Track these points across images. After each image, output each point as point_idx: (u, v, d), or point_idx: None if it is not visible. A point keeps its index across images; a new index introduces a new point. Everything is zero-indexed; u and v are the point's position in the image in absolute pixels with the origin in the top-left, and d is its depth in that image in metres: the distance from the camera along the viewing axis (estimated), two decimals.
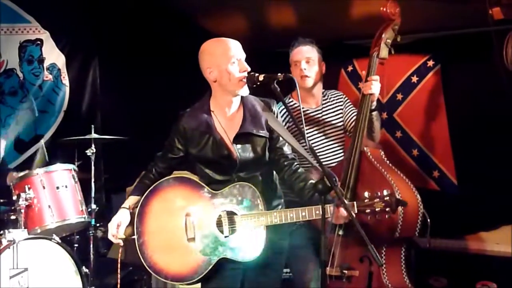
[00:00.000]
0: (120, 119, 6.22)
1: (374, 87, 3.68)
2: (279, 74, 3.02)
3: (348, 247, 3.57)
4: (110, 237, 3.29)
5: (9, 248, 4.09)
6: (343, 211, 3.01)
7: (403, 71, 5.55)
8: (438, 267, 5.06)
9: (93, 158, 5.09)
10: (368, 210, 3.02)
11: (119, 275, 3.60)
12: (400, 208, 3.31)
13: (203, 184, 3.22)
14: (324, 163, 3.53)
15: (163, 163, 3.37)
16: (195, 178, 3.29)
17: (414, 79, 5.49)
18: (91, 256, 5.00)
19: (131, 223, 3.28)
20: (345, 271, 3.51)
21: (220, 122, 3.23)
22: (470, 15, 4.73)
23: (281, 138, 3.23)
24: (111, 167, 5.99)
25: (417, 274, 4.44)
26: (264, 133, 3.22)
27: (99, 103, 6.36)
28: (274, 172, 3.34)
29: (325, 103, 4.04)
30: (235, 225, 3.13)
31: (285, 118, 3.84)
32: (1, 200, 4.73)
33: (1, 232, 4.23)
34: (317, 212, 3.00)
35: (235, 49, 3.17)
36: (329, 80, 5.06)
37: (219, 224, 3.15)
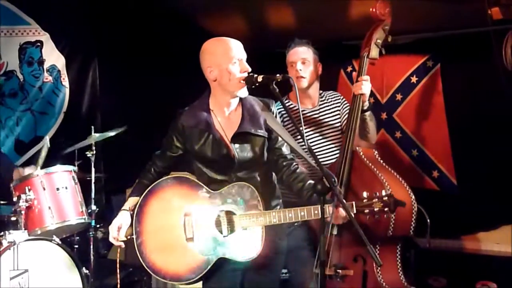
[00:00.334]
0: (120, 120, 6.21)
1: (364, 87, 3.69)
2: (277, 75, 3.02)
3: (342, 246, 3.58)
4: (111, 239, 3.30)
5: (9, 249, 4.09)
6: (342, 211, 3.02)
7: (403, 71, 5.56)
8: (437, 267, 5.06)
9: (93, 159, 5.10)
10: (366, 210, 3.03)
11: (118, 275, 3.60)
12: None
13: (201, 184, 3.22)
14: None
15: (162, 162, 3.37)
16: (193, 178, 3.29)
17: (414, 79, 5.49)
18: (91, 257, 5.00)
19: (131, 224, 3.28)
20: (339, 271, 3.50)
21: (219, 121, 3.23)
22: (469, 15, 4.74)
23: (280, 138, 3.23)
24: (111, 168, 6.00)
25: (416, 274, 4.47)
26: (262, 132, 3.23)
27: (99, 104, 6.38)
28: (272, 173, 3.34)
29: (322, 104, 4.05)
30: (233, 225, 3.14)
31: (283, 119, 3.84)
32: (2, 202, 4.73)
33: (2, 233, 4.24)
34: (316, 212, 3.00)
35: (236, 49, 3.17)
36: (328, 81, 5.08)
37: (217, 224, 3.15)
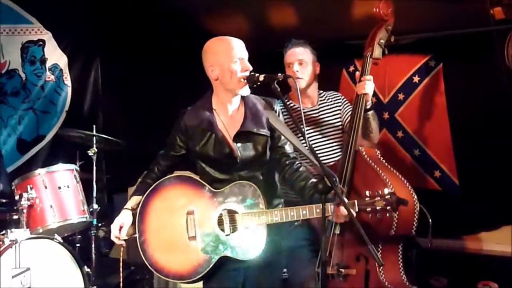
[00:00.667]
0: (122, 119, 6.23)
1: (367, 87, 3.70)
2: (279, 74, 3.04)
3: (344, 246, 3.58)
4: (113, 238, 3.30)
5: (11, 247, 4.09)
6: (343, 210, 3.02)
7: (405, 71, 5.55)
8: (439, 267, 5.06)
9: (94, 158, 5.09)
10: (369, 209, 3.04)
11: (121, 274, 3.60)
12: None
13: (204, 183, 3.23)
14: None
15: (165, 161, 3.38)
16: (196, 177, 3.29)
17: (416, 79, 5.48)
18: (93, 255, 5.00)
19: (134, 223, 3.29)
20: (342, 270, 3.50)
21: (221, 120, 3.24)
22: (472, 15, 4.73)
23: (282, 137, 3.24)
24: (112, 167, 6.00)
25: (418, 274, 4.46)
26: (264, 131, 3.23)
27: (101, 103, 6.38)
28: (275, 172, 3.35)
29: (322, 103, 4.05)
30: (236, 223, 3.14)
31: (284, 119, 3.84)
32: (3, 201, 4.74)
33: (3, 231, 4.24)
34: (318, 210, 3.01)
35: (238, 48, 3.18)
36: (330, 80, 5.09)
37: (220, 222, 3.16)
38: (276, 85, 3.02)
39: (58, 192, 4.62)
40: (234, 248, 3.13)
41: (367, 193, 3.05)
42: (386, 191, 3.02)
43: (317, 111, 4.03)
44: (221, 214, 3.17)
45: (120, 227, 3.28)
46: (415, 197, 3.54)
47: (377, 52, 3.79)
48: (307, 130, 3.93)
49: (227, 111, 3.26)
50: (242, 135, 3.21)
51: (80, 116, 6.27)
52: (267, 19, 5.89)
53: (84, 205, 4.74)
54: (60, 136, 5.76)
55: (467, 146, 5.19)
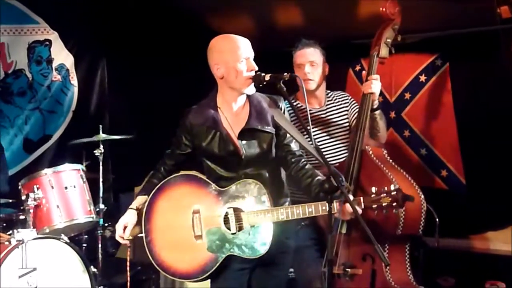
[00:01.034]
0: (128, 118, 6.24)
1: (374, 86, 3.69)
2: (285, 73, 3.02)
3: (351, 245, 3.57)
4: (117, 238, 3.31)
5: (18, 247, 4.10)
6: (349, 207, 3.00)
7: (411, 70, 5.53)
8: (446, 267, 5.05)
9: (101, 158, 5.11)
10: (374, 206, 3.01)
11: (128, 274, 3.60)
12: None
13: (209, 182, 3.22)
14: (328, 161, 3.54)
15: (171, 160, 3.38)
16: (201, 175, 3.29)
17: (422, 78, 5.47)
18: (99, 255, 5.01)
19: (139, 222, 3.29)
20: (348, 270, 3.50)
21: (226, 118, 3.23)
22: (478, 14, 4.72)
23: (288, 135, 3.23)
24: (119, 167, 6.01)
25: (425, 274, 4.45)
26: (270, 129, 3.22)
27: (107, 103, 6.40)
28: (281, 170, 3.34)
29: (330, 104, 4.04)
30: (242, 222, 3.13)
31: (291, 118, 3.83)
32: (10, 201, 4.75)
33: (10, 231, 4.26)
34: (324, 208, 2.99)
35: (244, 48, 3.17)
36: (337, 80, 5.07)
37: (226, 221, 3.15)
38: (282, 85, 3.01)
39: (65, 192, 4.63)
40: (240, 246, 3.12)
41: (373, 189, 3.03)
42: (392, 187, 3.00)
43: (324, 111, 4.02)
44: (227, 212, 3.16)
45: (125, 226, 3.28)
46: (422, 196, 3.53)
47: (384, 51, 3.78)
48: (314, 131, 3.93)
49: (232, 109, 3.25)
50: (247, 133, 3.21)
51: (86, 116, 6.30)
52: (273, 18, 5.89)
53: (90, 205, 4.75)
54: (67, 136, 5.78)
55: (474, 145, 5.18)
